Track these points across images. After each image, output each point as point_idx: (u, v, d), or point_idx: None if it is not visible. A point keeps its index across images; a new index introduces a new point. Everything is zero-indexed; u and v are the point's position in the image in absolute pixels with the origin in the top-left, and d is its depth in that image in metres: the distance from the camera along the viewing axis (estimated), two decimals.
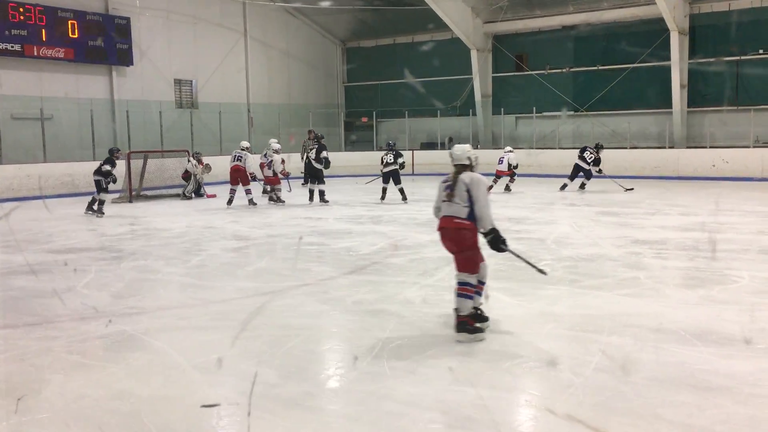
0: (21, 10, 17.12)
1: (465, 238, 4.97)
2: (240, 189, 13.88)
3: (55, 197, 16.06)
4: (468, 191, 4.94)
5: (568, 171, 19.75)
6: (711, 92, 20.25)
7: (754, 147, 18.72)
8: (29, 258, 8.30)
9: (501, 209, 12.51)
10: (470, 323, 4.83)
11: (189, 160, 16.09)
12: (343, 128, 26.03)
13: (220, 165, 19.32)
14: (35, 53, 17.45)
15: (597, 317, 5.28)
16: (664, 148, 20.05)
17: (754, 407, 3.54)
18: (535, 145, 21.95)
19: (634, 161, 19.68)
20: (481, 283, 5.07)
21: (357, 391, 3.93)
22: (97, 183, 12.70)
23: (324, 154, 13.77)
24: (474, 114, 23.77)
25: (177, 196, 15.85)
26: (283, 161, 14.81)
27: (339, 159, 22.22)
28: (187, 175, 15.97)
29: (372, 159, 23.15)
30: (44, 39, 17.58)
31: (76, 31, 18.28)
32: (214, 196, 16.17)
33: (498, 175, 16.30)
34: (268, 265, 7.85)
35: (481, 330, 4.86)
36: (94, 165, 17.10)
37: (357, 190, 17.38)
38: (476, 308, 5.03)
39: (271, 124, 23.37)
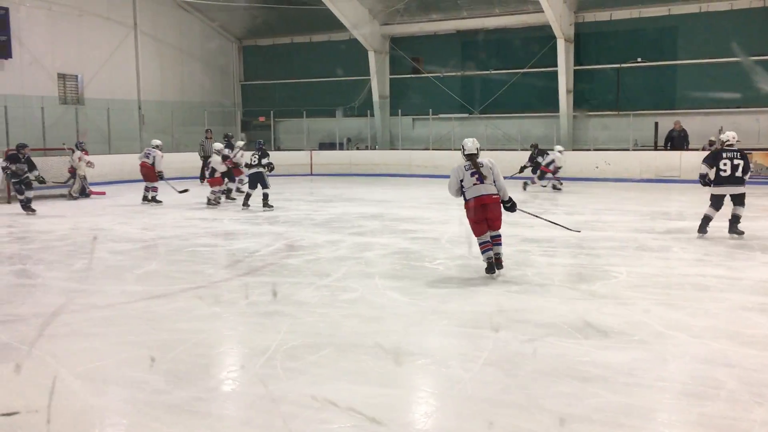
0: None
1: (499, 207, 6.81)
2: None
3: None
4: (492, 171, 6.69)
5: None
6: (594, 98, 21.35)
7: (633, 150, 19.90)
8: None
9: (395, 209, 12.68)
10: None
11: (70, 155, 15.28)
12: (239, 127, 25.56)
13: (108, 164, 18.62)
14: None
15: (487, 313, 5.45)
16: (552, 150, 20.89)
17: (628, 395, 3.76)
18: (431, 146, 22.41)
19: (522, 162, 20.41)
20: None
21: (249, 394, 3.87)
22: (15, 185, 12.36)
23: (266, 160, 13.00)
24: (372, 115, 23.97)
25: (62, 196, 15.05)
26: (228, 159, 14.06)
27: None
28: (72, 170, 15.18)
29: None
30: None
31: None
32: (103, 193, 15.49)
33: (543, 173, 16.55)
34: (159, 268, 7.60)
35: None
36: None
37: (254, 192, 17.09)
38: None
39: (164, 122, 22.60)
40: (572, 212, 12.27)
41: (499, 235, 6.82)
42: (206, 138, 20.24)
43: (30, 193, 12.37)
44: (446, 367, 4.27)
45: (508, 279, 6.73)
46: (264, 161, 12.70)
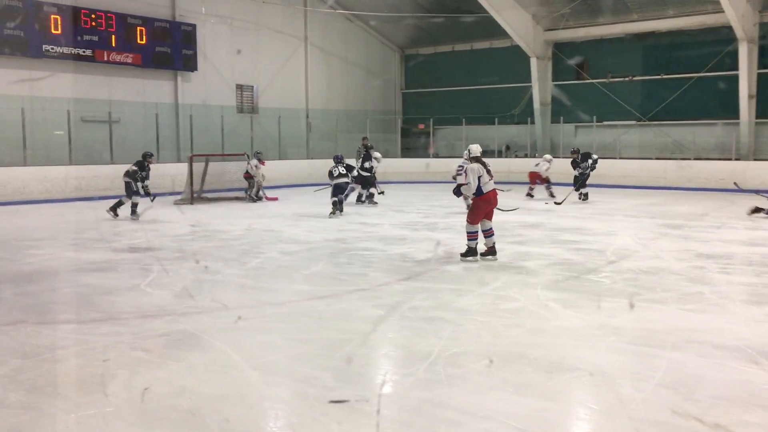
0: (93, 16, 17.76)
1: None
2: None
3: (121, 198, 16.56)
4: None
5: (629, 181, 19.36)
6: None
7: None
8: (96, 256, 8.60)
9: (557, 219, 12.34)
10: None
11: (248, 162, 16.37)
12: (399, 135, 26.09)
13: (278, 169, 19.76)
14: (105, 58, 18.07)
15: (659, 332, 5.15)
16: (730, 159, 19.41)
17: None
18: (595, 155, 21.52)
19: (698, 173, 19.14)
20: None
21: (412, 397, 3.92)
22: (128, 185, 12.67)
23: (367, 164, 14.89)
24: (532, 122, 23.51)
25: (237, 198, 16.15)
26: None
27: (395, 165, 22.35)
28: (248, 176, 16.25)
29: (427, 166, 23.24)
30: (114, 45, 18.20)
31: (144, 37, 18.86)
32: (275, 199, 16.41)
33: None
34: (325, 269, 7.92)
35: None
36: (159, 167, 17.68)
37: (412, 196, 17.39)
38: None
39: (328, 129, 23.63)
40: (755, 227, 11.30)
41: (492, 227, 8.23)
42: (362, 145, 20.95)
43: (137, 199, 12.69)
44: (615, 384, 4.08)
45: (681, 296, 6.33)
46: (367, 164, 14.36)
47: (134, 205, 12.68)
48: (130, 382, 4.12)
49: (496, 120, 23.66)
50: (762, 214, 12.33)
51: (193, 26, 20.08)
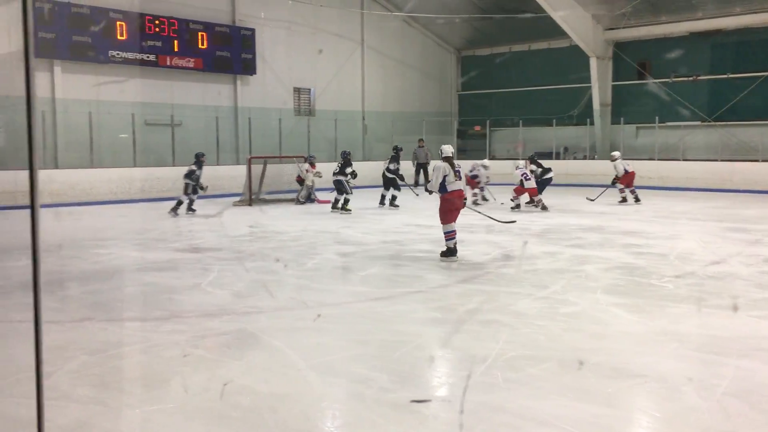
0: (156, 22, 18.28)
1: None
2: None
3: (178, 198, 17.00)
4: (462, 174, 8.52)
5: (694, 184, 18.81)
6: None
7: None
8: (159, 256, 8.84)
9: (617, 222, 12.07)
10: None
11: (299, 165, 16.56)
12: (455, 136, 25.97)
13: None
14: (168, 63, 18.57)
15: (726, 339, 4.98)
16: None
17: None
18: (657, 157, 20.98)
19: (767, 175, 18.44)
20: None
21: (469, 401, 3.89)
22: (186, 186, 13.50)
23: (392, 166, 15.24)
24: (591, 123, 23.07)
25: (291, 200, 16.34)
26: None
27: None
28: (300, 179, 16.45)
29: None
30: (176, 50, 18.69)
31: (205, 42, 19.30)
32: (328, 201, 16.54)
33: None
34: (381, 271, 7.94)
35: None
36: (218, 169, 18.08)
37: (468, 200, 17.26)
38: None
39: (384, 131, 23.70)
40: None
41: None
42: (419, 146, 21.21)
43: (194, 197, 13.64)
44: (679, 392, 3.97)
45: (749, 302, 6.11)
46: (348, 170, 14.03)
47: (191, 202, 13.56)
48: (191, 380, 4.21)
49: (554, 121, 23.30)
50: None
51: (252, 30, 20.43)
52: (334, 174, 14.24)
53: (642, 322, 5.51)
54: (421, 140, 21.64)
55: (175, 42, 18.66)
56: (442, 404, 3.89)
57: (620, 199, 15.58)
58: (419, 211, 14.23)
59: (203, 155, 13.98)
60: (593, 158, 22.73)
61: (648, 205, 15.18)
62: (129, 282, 7.30)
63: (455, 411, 3.80)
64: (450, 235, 8.37)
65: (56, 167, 16.29)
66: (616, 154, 16.14)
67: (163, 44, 18.43)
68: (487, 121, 24.61)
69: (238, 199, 16.28)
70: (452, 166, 8.38)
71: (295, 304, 6.23)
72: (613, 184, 15.84)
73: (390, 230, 11.29)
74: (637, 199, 15.50)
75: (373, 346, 4.91)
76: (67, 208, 14.53)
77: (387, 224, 12.13)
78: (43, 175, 13.91)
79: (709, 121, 20.90)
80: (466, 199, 8.66)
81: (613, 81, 23.22)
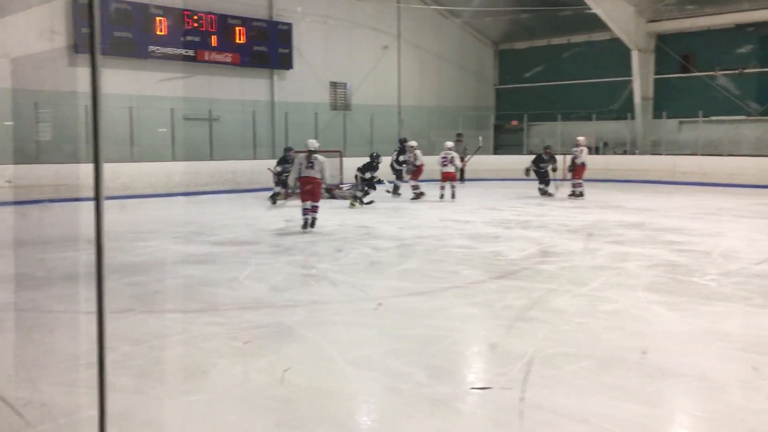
0: (195, 17, 18.49)
1: (319, 187, 10.74)
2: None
3: (219, 193, 17.21)
4: (321, 165, 10.49)
5: (740, 180, 18.32)
6: None
7: None
8: (198, 249, 8.95)
9: (658, 219, 11.84)
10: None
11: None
12: (493, 131, 25.77)
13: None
14: (206, 58, 18.78)
15: None
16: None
17: None
18: (700, 152, 20.51)
19: None
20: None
21: (507, 397, 3.85)
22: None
23: (402, 157, 16.55)
24: (632, 117, 22.67)
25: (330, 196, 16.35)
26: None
27: (488, 162, 22.09)
28: None
29: (520, 163, 22.82)
30: (215, 45, 18.88)
31: (243, 37, 19.46)
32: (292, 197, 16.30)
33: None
34: (417, 266, 7.91)
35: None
36: (255, 163, 18.22)
37: (505, 194, 17.14)
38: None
39: (420, 126, 23.61)
40: None
41: (317, 206, 10.56)
42: (457, 141, 20.89)
43: (280, 189, 14.55)
44: (723, 392, 3.88)
45: None
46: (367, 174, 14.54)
47: (276, 194, 14.76)
48: (229, 371, 4.26)
49: (594, 116, 22.95)
50: None
51: (289, 25, 20.53)
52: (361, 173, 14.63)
53: (684, 321, 5.39)
54: (459, 134, 21.45)
55: (214, 37, 18.85)
56: (480, 400, 3.86)
57: (570, 192, 15.60)
58: (456, 206, 14.14)
59: (291, 149, 15.00)
60: (634, 153, 22.34)
61: (691, 201, 14.86)
62: (169, 274, 7.41)
63: (492, 407, 3.76)
64: (305, 212, 10.46)
65: None
66: (583, 140, 16.09)
67: (202, 39, 18.63)
68: (525, 116, 24.34)
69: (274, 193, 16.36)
70: (308, 158, 10.39)
71: (333, 298, 6.24)
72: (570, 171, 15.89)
73: (426, 225, 11.25)
74: (581, 194, 15.46)
75: (410, 341, 4.89)
76: (108, 201, 14.77)
77: (423, 219, 12.09)
78: (85, 168, 14.25)
79: (756, 116, 20.35)
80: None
81: (655, 74, 22.76)
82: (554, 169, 16.12)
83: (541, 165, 16.18)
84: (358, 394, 3.94)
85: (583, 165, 15.56)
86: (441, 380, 4.08)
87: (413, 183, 15.75)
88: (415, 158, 15.91)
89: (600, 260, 7.98)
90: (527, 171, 16.30)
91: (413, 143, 16.29)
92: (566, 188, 15.85)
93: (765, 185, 17.93)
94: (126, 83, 17.35)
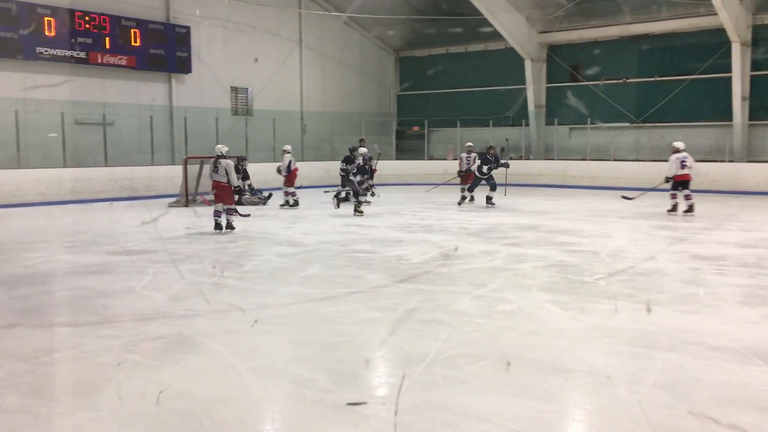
0: (87, 18, 17.71)
1: (228, 190, 10.96)
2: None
3: (114, 200, 16.54)
4: (226, 170, 10.83)
5: (623, 183, 19.40)
6: None
7: None
8: (92, 259, 8.57)
9: (552, 221, 12.37)
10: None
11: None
12: (394, 137, 26.11)
13: (272, 171, 19.67)
14: (99, 60, 18.02)
15: (654, 333, 5.17)
16: (724, 161, 19.50)
17: None
18: (589, 157, 21.62)
19: (692, 175, 19.16)
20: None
21: (410, 399, 3.93)
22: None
23: (347, 166, 15.52)
24: (527, 124, 23.58)
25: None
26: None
27: (390, 167, 22.35)
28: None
29: (422, 168, 23.25)
30: (108, 47, 18.15)
31: (138, 39, 18.82)
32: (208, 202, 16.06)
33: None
34: (321, 272, 7.91)
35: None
36: (153, 169, 17.68)
37: (407, 198, 17.40)
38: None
39: (323, 131, 23.61)
40: (748, 228, 11.37)
41: (233, 208, 11.04)
42: (360, 145, 21.07)
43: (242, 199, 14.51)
44: (611, 386, 4.10)
45: (676, 298, 6.36)
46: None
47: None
48: (126, 386, 4.11)
49: (491, 122, 23.70)
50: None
51: (188, 28, 20.04)
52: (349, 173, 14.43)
53: (575, 319, 5.66)
54: (362, 140, 21.55)
55: (107, 39, 18.12)
56: (382, 404, 3.91)
57: (461, 199, 15.62)
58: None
59: (245, 158, 15.42)
60: (529, 158, 23.23)
61: (581, 204, 15.60)
62: (60, 286, 7.06)
63: (395, 410, 3.82)
64: (216, 213, 10.96)
65: None
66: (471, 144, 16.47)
67: (94, 41, 17.88)
68: (425, 122, 24.83)
69: (173, 200, 15.94)
70: (214, 163, 10.93)
71: (234, 307, 6.14)
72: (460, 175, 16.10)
73: (330, 231, 11.27)
74: (471, 199, 15.65)
75: (313, 347, 4.89)
76: None
77: (326, 225, 12.10)
78: None
79: (638, 123, 21.63)
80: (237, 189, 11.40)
81: (547, 83, 23.79)
82: (506, 166, 15.43)
83: (485, 169, 14.90)
84: (261, 402, 3.91)
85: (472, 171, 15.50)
86: (344, 385, 4.10)
87: (286, 189, 15.22)
88: (292, 164, 15.27)
89: (498, 262, 8.25)
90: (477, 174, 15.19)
91: (287, 147, 15.54)
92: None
93: (645, 188, 19.06)
94: (11, 86, 16.42)
